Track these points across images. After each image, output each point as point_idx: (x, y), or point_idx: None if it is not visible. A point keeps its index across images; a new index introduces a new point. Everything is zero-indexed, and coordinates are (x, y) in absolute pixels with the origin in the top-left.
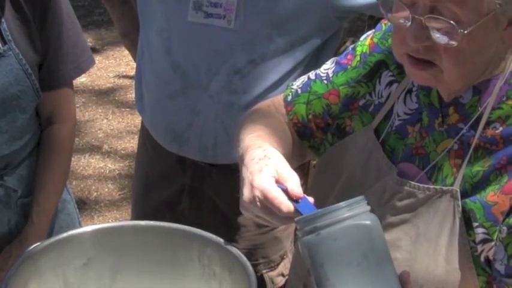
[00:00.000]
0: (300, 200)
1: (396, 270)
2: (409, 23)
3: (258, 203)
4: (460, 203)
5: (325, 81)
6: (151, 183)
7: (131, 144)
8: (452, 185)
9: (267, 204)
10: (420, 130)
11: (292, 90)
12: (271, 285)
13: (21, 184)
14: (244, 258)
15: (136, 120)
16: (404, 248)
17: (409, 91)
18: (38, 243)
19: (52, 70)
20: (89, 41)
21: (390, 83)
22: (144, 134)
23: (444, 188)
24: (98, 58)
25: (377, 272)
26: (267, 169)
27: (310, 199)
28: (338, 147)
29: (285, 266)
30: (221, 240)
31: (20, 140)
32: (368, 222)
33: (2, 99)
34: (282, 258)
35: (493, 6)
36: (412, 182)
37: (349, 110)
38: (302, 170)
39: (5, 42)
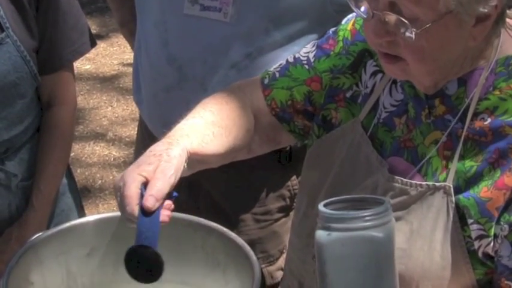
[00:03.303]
0: (149, 214)
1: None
2: (370, 18)
3: (117, 192)
4: (453, 199)
5: (306, 67)
6: None
7: (136, 131)
8: (445, 180)
9: (121, 195)
10: (407, 122)
11: (269, 73)
12: (270, 279)
13: (21, 168)
14: (248, 248)
15: None
16: (399, 246)
17: (395, 82)
18: (40, 233)
19: (49, 54)
20: (93, 28)
21: (375, 73)
22: (142, 126)
23: (437, 184)
24: (102, 45)
25: (374, 285)
26: (144, 168)
27: (166, 214)
28: (326, 140)
29: (283, 260)
30: (225, 229)
31: (19, 125)
32: (381, 235)
33: (0, 87)
34: (281, 252)
35: (450, 6)
36: (404, 179)
37: (334, 102)
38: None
39: (2, 30)
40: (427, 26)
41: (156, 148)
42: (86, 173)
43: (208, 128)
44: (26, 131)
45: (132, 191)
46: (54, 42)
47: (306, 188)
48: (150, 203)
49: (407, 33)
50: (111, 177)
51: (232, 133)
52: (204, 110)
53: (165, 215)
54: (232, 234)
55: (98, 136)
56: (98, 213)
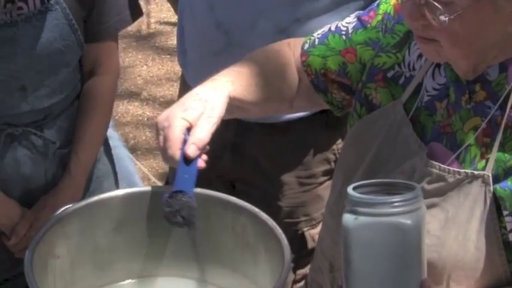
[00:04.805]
0: (189, 161)
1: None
2: (406, 0)
3: (161, 131)
4: (491, 188)
5: (344, 37)
6: None
7: (170, 91)
8: (483, 169)
9: (164, 136)
10: (447, 106)
11: (311, 38)
12: (312, 242)
13: (60, 135)
14: (279, 230)
15: (176, 67)
16: (432, 233)
17: (438, 65)
18: (68, 206)
19: (96, 22)
20: None
21: (421, 55)
22: (185, 88)
23: (475, 172)
24: (139, 3)
25: (400, 274)
26: (189, 112)
27: (201, 164)
28: (366, 121)
29: None
30: (256, 209)
31: (60, 93)
32: (409, 222)
33: (46, 54)
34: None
35: None
36: (442, 165)
37: (374, 81)
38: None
39: None
40: (461, 11)
41: (202, 92)
42: (119, 132)
43: (253, 78)
44: (66, 99)
45: (176, 134)
46: (102, 11)
47: (343, 167)
48: (191, 151)
49: (442, 17)
50: (143, 138)
51: (274, 86)
52: (252, 60)
53: (201, 160)
54: (264, 215)
55: (132, 95)
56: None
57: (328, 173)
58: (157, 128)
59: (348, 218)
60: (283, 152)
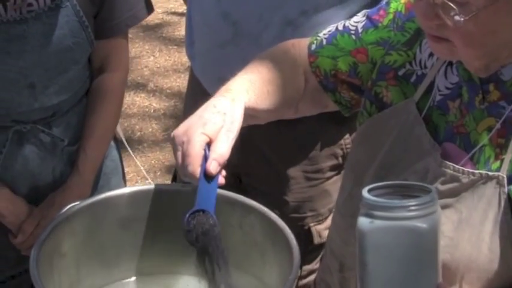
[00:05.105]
0: (210, 178)
1: (438, 278)
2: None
3: (179, 146)
4: (506, 189)
5: (354, 37)
6: None
7: (177, 83)
8: (498, 170)
9: (183, 152)
10: (460, 106)
11: (318, 38)
12: (319, 238)
13: (68, 132)
14: (288, 230)
15: (184, 58)
16: (445, 234)
17: (450, 63)
18: (74, 204)
19: (107, 19)
20: None
21: (433, 53)
22: (194, 81)
23: (490, 173)
24: None
25: (415, 278)
26: (209, 127)
27: (221, 180)
28: (377, 119)
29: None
30: (265, 209)
31: (69, 91)
32: (425, 226)
33: (55, 51)
34: (331, 211)
35: None
36: (456, 166)
37: (385, 79)
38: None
39: None
40: (476, 11)
41: (220, 104)
42: (125, 124)
43: (265, 86)
44: (75, 96)
45: (197, 150)
46: (114, 7)
47: (353, 166)
48: (213, 168)
49: (456, 17)
50: (150, 130)
51: (284, 92)
52: (262, 65)
53: (221, 177)
54: (273, 215)
55: (139, 86)
56: (135, 166)
57: (336, 168)
58: (174, 143)
59: (363, 222)
60: (290, 146)
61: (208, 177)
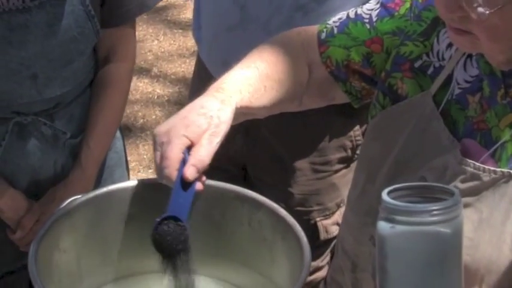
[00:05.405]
0: (187, 184)
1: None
2: None
3: (159, 146)
4: None
5: (368, 26)
6: None
7: (182, 68)
8: None
9: (162, 153)
10: (481, 101)
11: (328, 26)
12: (325, 234)
13: (71, 125)
14: (299, 227)
15: (189, 43)
16: (465, 235)
17: (470, 55)
18: (75, 197)
19: (115, 7)
20: None
21: (451, 44)
22: (200, 65)
23: None
24: None
25: (438, 284)
26: (192, 129)
27: (199, 186)
28: (392, 112)
29: (340, 215)
30: (274, 205)
31: (74, 82)
32: (448, 231)
33: (59, 42)
34: (338, 206)
35: None
36: (477, 163)
37: (401, 71)
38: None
39: None
40: (502, 5)
41: (208, 105)
42: (128, 111)
43: (262, 82)
44: (79, 86)
45: (175, 153)
46: None
47: (366, 162)
48: (190, 173)
49: (480, 9)
50: (153, 117)
51: (284, 86)
52: (261, 60)
53: (200, 183)
54: (283, 212)
55: (142, 71)
56: (138, 155)
57: (345, 161)
58: (154, 141)
59: (383, 226)
60: (298, 136)
61: (185, 182)
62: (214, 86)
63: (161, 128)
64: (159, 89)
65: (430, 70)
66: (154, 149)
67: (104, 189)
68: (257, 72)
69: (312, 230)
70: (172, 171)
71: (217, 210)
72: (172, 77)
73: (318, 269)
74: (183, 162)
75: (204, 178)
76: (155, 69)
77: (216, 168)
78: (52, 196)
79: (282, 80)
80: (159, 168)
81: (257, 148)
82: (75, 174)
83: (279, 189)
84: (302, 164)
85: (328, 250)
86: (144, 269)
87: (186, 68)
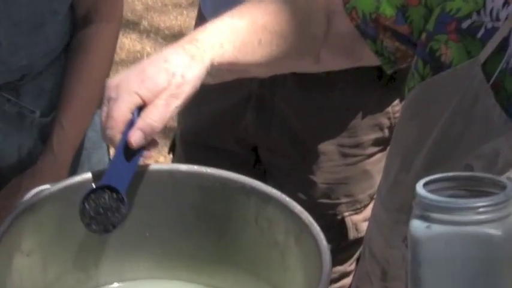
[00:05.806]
0: (130, 151)
1: None
2: None
3: (106, 101)
4: None
5: None
6: (208, 88)
7: (178, 21)
8: None
9: (108, 111)
10: None
11: None
12: (355, 232)
13: (40, 101)
14: (317, 228)
15: None
16: None
17: None
18: (41, 188)
19: None
20: None
21: (508, 1)
22: (202, 22)
23: None
24: None
25: None
26: (146, 86)
27: (147, 154)
28: (432, 84)
29: None
30: (287, 199)
31: (45, 48)
32: (499, 233)
33: (29, 0)
34: (371, 198)
35: None
36: None
37: (446, 33)
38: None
39: None
40: None
41: (173, 60)
42: (110, 74)
43: (255, 34)
44: (51, 53)
45: (122, 112)
46: None
47: (401, 145)
48: (135, 139)
49: None
50: None
51: (287, 40)
52: (258, 7)
53: (147, 152)
54: (298, 207)
55: (129, 25)
56: None
57: (381, 143)
58: (104, 95)
59: (417, 226)
60: (322, 111)
61: (130, 149)
62: (190, 35)
63: (113, 80)
64: (149, 47)
65: (481, 32)
66: (102, 105)
67: (78, 178)
68: (250, 22)
69: (339, 227)
70: (115, 134)
71: (217, 205)
72: (166, 32)
73: (346, 274)
74: (131, 124)
75: (150, 153)
76: (145, 23)
77: (219, 150)
78: (16, 187)
79: (285, 33)
80: (103, 128)
81: (271, 125)
82: (45, 161)
83: (299, 178)
84: (327, 147)
85: (358, 252)
86: (124, 276)
87: (183, 21)
